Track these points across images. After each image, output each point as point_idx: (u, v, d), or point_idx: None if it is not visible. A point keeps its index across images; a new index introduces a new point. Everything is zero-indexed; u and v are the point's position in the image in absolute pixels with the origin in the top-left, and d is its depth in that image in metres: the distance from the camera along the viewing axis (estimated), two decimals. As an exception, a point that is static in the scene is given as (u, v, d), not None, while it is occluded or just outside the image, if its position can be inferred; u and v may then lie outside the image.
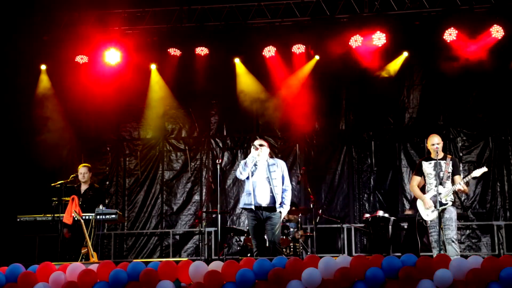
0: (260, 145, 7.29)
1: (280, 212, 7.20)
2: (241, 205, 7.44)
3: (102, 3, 10.94)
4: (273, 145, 11.27)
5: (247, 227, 9.81)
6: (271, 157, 7.48)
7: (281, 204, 7.19)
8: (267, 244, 7.32)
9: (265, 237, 7.30)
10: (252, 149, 7.24)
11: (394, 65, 11.11)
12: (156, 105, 11.75)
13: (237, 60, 11.38)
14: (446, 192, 7.63)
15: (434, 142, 7.81)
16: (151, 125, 11.91)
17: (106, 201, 11.50)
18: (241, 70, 11.46)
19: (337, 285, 5.50)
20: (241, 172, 7.25)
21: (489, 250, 10.64)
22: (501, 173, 10.86)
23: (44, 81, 11.56)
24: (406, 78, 11.21)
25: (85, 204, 8.41)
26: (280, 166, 7.32)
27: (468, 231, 10.84)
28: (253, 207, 7.14)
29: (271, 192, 7.17)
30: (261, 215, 7.17)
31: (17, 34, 10.87)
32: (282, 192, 7.24)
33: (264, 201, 7.16)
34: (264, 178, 7.23)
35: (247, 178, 7.27)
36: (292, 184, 7.73)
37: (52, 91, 11.57)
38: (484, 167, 7.76)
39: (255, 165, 7.27)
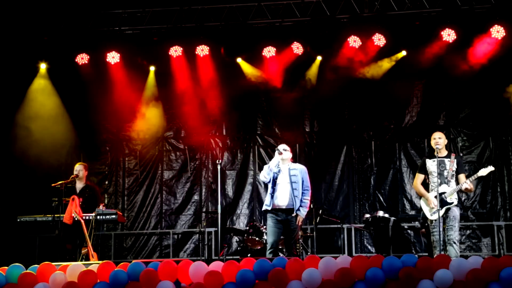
0: (284, 150, 7.59)
1: (297, 215, 7.45)
2: (263, 207, 7.65)
3: (102, 3, 10.94)
4: (273, 145, 11.25)
5: (247, 227, 9.87)
6: (293, 162, 7.76)
7: (300, 207, 7.45)
8: (281, 246, 7.86)
9: (281, 237, 7.60)
10: (276, 153, 7.54)
11: (394, 65, 11.10)
12: (155, 105, 11.74)
13: (239, 59, 11.37)
14: (451, 191, 7.59)
15: (436, 136, 7.81)
16: (150, 125, 11.90)
17: (106, 201, 11.51)
18: (241, 69, 11.46)
19: (337, 286, 5.51)
20: (265, 176, 7.56)
21: (489, 250, 10.64)
22: (501, 173, 10.86)
23: (44, 81, 11.54)
24: (406, 78, 11.19)
25: (81, 203, 8.41)
26: (300, 171, 7.60)
27: (468, 232, 10.84)
28: (269, 208, 7.44)
29: (291, 195, 7.42)
30: (280, 216, 7.44)
31: (17, 34, 10.86)
32: (302, 195, 7.50)
33: (283, 203, 7.44)
34: (286, 182, 7.50)
35: (269, 181, 7.52)
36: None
37: (52, 91, 11.56)
38: (491, 166, 7.69)
39: (278, 168, 7.53)
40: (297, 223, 7.46)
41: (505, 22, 10.26)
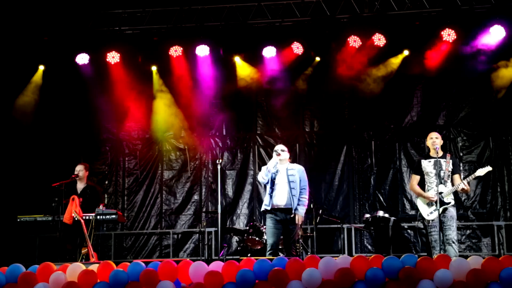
0: (282, 150, 7.63)
1: (296, 214, 7.44)
2: (262, 207, 7.67)
3: (102, 3, 10.94)
4: (273, 145, 11.24)
5: (247, 227, 9.87)
6: (292, 162, 7.78)
7: (298, 205, 7.46)
8: (282, 246, 7.95)
9: (280, 237, 7.61)
10: (274, 155, 7.56)
11: (394, 65, 11.11)
12: (155, 105, 11.73)
13: (237, 59, 11.37)
14: (448, 191, 7.60)
15: (433, 136, 7.82)
16: (150, 124, 11.90)
17: (106, 201, 11.50)
18: (241, 69, 11.46)
19: (337, 286, 5.50)
20: (263, 177, 7.57)
21: (489, 250, 10.64)
22: (501, 173, 10.86)
23: (44, 81, 11.55)
24: (406, 77, 11.18)
25: (82, 203, 8.42)
26: (298, 170, 7.62)
27: (468, 231, 10.84)
28: (269, 208, 7.46)
29: (289, 194, 7.45)
30: (279, 216, 7.46)
31: (17, 34, 10.86)
32: (300, 194, 7.52)
33: (282, 203, 7.46)
34: (284, 182, 7.52)
35: (267, 182, 7.55)
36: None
37: (52, 91, 11.56)
38: (489, 166, 7.72)
39: (276, 169, 7.56)
40: (296, 222, 7.46)
41: (505, 22, 10.25)
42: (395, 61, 11.10)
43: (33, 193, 10.98)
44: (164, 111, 11.78)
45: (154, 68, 11.62)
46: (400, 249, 10.39)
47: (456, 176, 7.76)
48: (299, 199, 7.48)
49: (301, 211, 7.48)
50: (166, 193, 11.78)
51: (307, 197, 7.57)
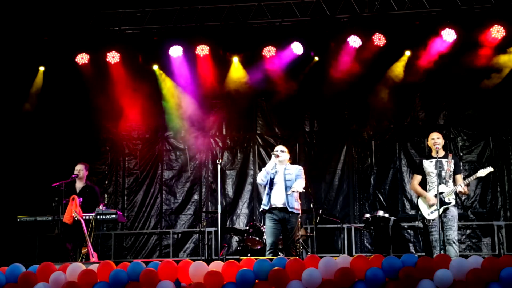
0: (282, 151, 7.65)
1: (294, 213, 7.46)
2: (261, 208, 7.70)
3: (102, 3, 10.94)
4: (273, 144, 11.25)
5: (247, 227, 9.87)
6: (292, 163, 7.78)
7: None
8: (282, 246, 7.97)
9: (280, 237, 7.62)
10: (273, 156, 7.58)
11: (397, 65, 11.09)
12: (155, 105, 11.73)
13: (235, 59, 11.37)
14: (449, 191, 7.61)
15: (434, 137, 7.83)
16: (150, 124, 11.90)
17: (106, 201, 11.50)
18: (241, 69, 11.45)
19: (337, 285, 5.50)
20: (262, 179, 7.61)
21: (489, 250, 10.64)
22: (501, 173, 10.86)
23: (44, 81, 11.55)
24: (407, 77, 11.17)
25: (81, 203, 8.42)
26: (295, 170, 7.62)
27: (468, 231, 10.84)
28: (267, 208, 7.50)
29: (285, 193, 7.43)
30: (277, 215, 7.47)
31: (17, 34, 10.86)
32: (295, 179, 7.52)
33: (279, 202, 7.47)
34: (281, 182, 7.53)
35: (266, 183, 7.59)
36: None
37: (52, 91, 11.56)
38: (490, 167, 7.73)
39: (275, 170, 7.59)
40: (295, 223, 7.48)
41: (505, 22, 10.25)
42: (396, 61, 11.07)
43: (33, 193, 10.98)
44: (164, 111, 11.76)
45: (155, 67, 11.59)
46: (400, 249, 10.40)
47: (458, 176, 7.77)
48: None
49: (296, 186, 7.37)
50: (166, 193, 11.79)
51: (303, 181, 7.50)
